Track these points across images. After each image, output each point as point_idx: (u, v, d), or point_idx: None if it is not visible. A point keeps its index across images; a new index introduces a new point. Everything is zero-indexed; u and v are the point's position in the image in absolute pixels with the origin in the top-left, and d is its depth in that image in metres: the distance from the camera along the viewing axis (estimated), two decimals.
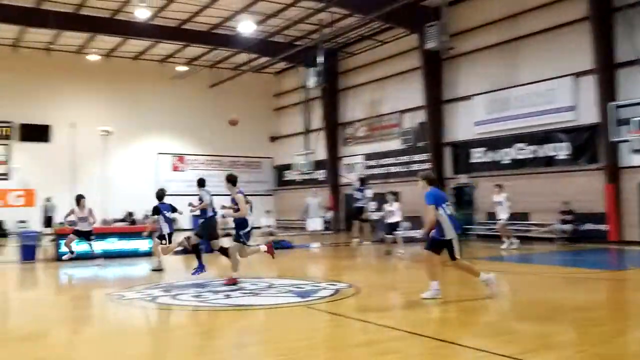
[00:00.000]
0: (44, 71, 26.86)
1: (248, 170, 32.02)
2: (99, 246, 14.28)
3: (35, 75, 26.57)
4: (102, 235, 15.15)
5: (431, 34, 19.78)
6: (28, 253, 14.06)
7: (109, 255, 14.57)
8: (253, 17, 23.03)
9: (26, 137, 26.71)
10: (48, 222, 22.34)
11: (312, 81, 24.87)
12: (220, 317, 7.65)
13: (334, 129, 28.47)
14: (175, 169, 30.54)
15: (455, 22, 21.19)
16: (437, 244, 8.01)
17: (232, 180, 9.90)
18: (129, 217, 26.19)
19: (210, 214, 11.07)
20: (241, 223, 9.83)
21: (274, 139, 33.13)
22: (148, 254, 15.27)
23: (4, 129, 26.43)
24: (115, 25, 23.70)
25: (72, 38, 25.66)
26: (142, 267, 13.41)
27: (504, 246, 15.85)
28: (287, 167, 30.59)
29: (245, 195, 9.87)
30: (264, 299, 8.67)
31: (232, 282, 9.54)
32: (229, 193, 9.99)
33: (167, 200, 12.57)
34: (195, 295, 8.87)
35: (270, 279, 10.69)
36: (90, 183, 24.06)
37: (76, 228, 13.47)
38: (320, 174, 28.90)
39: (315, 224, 20.55)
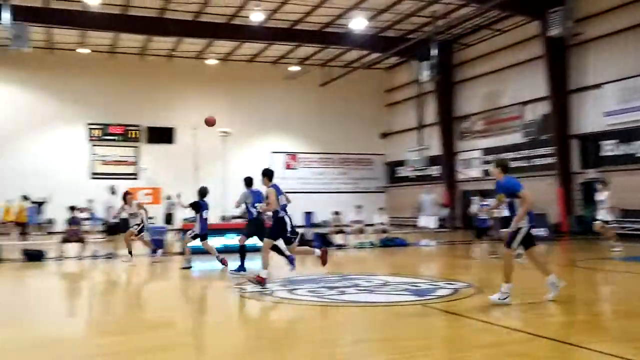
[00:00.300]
0: (167, 77, 28.61)
1: (359, 167, 31.98)
2: (218, 242, 14.88)
3: (160, 81, 28.41)
4: (221, 231, 15.74)
5: (555, 20, 18.53)
6: (157, 246, 14.91)
7: (229, 251, 15.08)
8: (364, 13, 22.89)
9: (153, 140, 28.63)
10: (168, 218, 23.75)
11: (425, 75, 24.22)
12: (336, 313, 7.57)
13: (449, 123, 27.59)
14: (288, 167, 31.21)
15: (581, 6, 19.67)
16: (528, 236, 7.49)
17: (267, 174, 9.61)
18: (247, 215, 27.06)
19: (255, 214, 10.98)
20: (277, 220, 9.36)
21: (385, 135, 32.78)
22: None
23: (133, 132, 28.52)
24: (232, 30, 24.61)
25: (192, 44, 27.06)
26: (258, 262, 13.65)
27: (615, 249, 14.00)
28: (400, 163, 30.13)
29: (281, 192, 9.43)
30: (379, 296, 8.48)
31: (260, 280, 9.07)
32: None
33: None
34: (310, 291, 8.87)
35: (384, 277, 10.48)
36: (210, 182, 25.11)
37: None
38: (435, 170, 28.14)
39: (428, 221, 19.97)
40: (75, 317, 8.06)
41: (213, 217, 22.88)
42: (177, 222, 22.72)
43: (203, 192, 12.67)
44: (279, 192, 9.29)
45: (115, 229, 14.54)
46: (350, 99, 31.27)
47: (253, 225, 11.13)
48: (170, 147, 28.51)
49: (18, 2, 19.86)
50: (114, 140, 28.18)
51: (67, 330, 6.87)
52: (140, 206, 13.43)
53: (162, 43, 26.75)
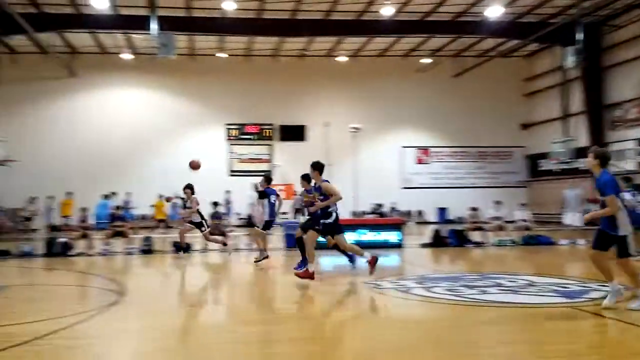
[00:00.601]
0: (299, 76, 29.25)
1: (497, 160, 30.41)
2: (352, 237, 14.84)
3: (292, 81, 29.13)
4: (353, 226, 15.69)
5: None
6: (292, 241, 15.22)
7: (362, 246, 15.00)
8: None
9: (285, 137, 29.48)
10: (296, 213, 24.35)
11: (570, 61, 22.38)
12: (478, 313, 7.11)
13: (598, 112, 25.20)
14: (420, 161, 30.49)
15: None
16: (607, 239, 6.59)
17: (319, 168, 9.22)
18: (378, 209, 26.97)
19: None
20: (326, 212, 8.99)
21: (525, 126, 30.79)
22: (397, 246, 15.36)
23: (268, 131, 29.58)
24: (362, 26, 24.52)
25: (323, 43, 27.41)
26: (392, 258, 13.45)
27: None
28: (543, 156, 28.14)
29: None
30: (524, 297, 7.87)
31: (308, 275, 8.80)
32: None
33: None
34: (449, 289, 8.46)
35: (529, 277, 9.73)
36: (342, 178, 25.40)
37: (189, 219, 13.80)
38: (582, 163, 25.85)
39: (573, 218, 18.33)
40: (217, 305, 8.36)
41: (344, 212, 23.17)
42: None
43: (269, 178, 12.64)
44: None
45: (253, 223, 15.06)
46: (485, 90, 29.81)
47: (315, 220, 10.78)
48: (302, 144, 29.11)
49: (164, 13, 21.38)
50: (249, 139, 29.46)
51: (209, 318, 7.15)
52: (195, 202, 13.49)
53: (294, 43, 27.40)
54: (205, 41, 26.74)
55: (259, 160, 29.50)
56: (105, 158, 27.29)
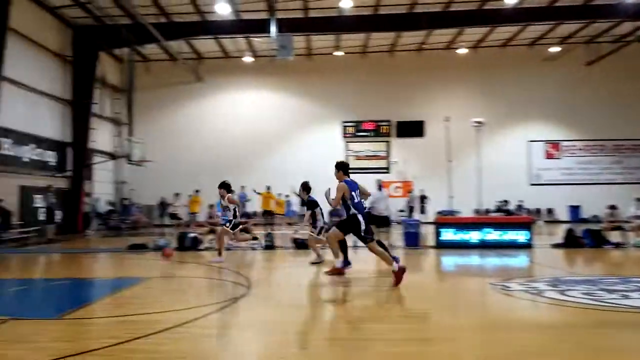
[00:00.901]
0: (416, 71, 28.74)
1: (636, 154, 27.74)
2: (476, 236, 14.32)
3: (409, 76, 28.71)
4: (477, 225, 15.04)
5: None
6: (411, 239, 14.92)
7: (485, 246, 14.39)
8: None
9: (402, 134, 29.06)
10: (411, 211, 23.79)
11: None
12: (621, 318, 6.47)
13: None
14: (549, 156, 28.64)
15: None
16: None
17: (342, 167, 9.09)
18: (504, 206, 25.69)
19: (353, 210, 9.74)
20: (349, 217, 8.81)
21: None
22: (525, 246, 14.50)
23: (384, 127, 29.29)
24: (484, 15, 23.45)
25: (441, 35, 26.64)
26: (520, 259, 12.69)
27: None
28: None
29: (355, 187, 8.90)
30: None
31: (336, 271, 8.82)
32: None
33: None
34: (586, 293, 7.80)
35: None
36: (463, 174, 24.54)
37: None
38: None
39: None
40: (343, 301, 8.30)
41: (467, 210, 22.33)
42: (429, 215, 22.59)
43: (308, 187, 12.16)
44: (353, 188, 8.77)
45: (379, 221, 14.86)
46: (622, 78, 27.36)
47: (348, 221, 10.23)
48: (420, 140, 28.61)
49: (282, 15, 21.90)
50: (366, 136, 29.37)
51: (335, 313, 7.13)
52: (231, 201, 13.03)
53: (411, 38, 26.89)
54: (322, 40, 27.07)
55: (376, 157, 29.34)
56: (229, 157, 28.59)
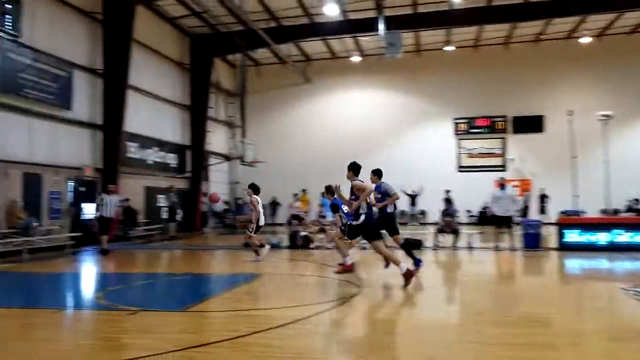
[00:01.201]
0: (533, 63, 27.18)
1: None
2: (604, 238, 13.27)
3: (525, 69, 27.21)
4: (606, 226, 13.90)
5: None
6: (531, 241, 14.08)
7: (615, 249, 13.23)
8: None
9: (519, 129, 27.61)
10: (526, 210, 22.47)
11: None
12: None
13: None
14: None
15: None
16: None
17: (353, 168, 9.00)
18: (636, 205, 23.56)
19: (389, 209, 9.85)
20: (356, 214, 8.66)
21: None
22: None
23: (500, 123, 28.00)
24: (610, 1, 21.63)
25: (562, 24, 24.96)
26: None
27: None
28: None
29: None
30: None
31: (347, 268, 8.77)
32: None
33: None
34: None
35: None
36: (587, 171, 22.87)
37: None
38: None
39: None
40: (452, 304, 7.97)
41: (592, 210, 20.64)
42: (549, 216, 21.27)
43: (330, 190, 11.46)
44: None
45: (488, 220, 14.25)
46: None
47: (385, 222, 9.87)
48: (539, 136, 27.11)
49: (390, 13, 21.60)
50: (479, 133, 28.23)
51: (448, 316, 6.86)
52: (253, 203, 12.51)
53: (528, 28, 25.46)
54: (431, 36, 26.41)
55: (490, 155, 28.13)
56: (337, 156, 28.60)
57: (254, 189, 12.63)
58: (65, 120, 16.91)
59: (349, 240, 9.19)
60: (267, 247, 12.76)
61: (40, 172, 15.69)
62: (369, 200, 8.90)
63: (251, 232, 12.41)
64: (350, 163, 9.23)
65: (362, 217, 8.60)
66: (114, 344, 5.53)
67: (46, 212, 15.89)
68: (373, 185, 9.73)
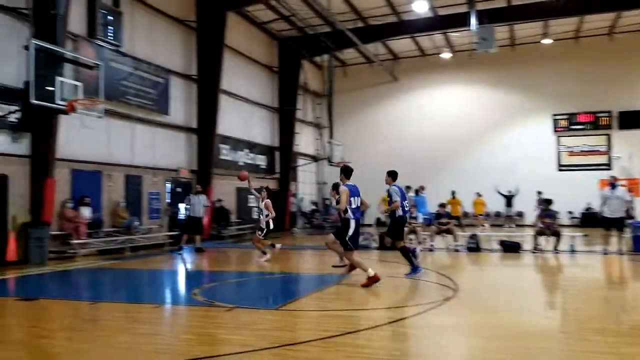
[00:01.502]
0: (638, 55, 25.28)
1: None
2: None
3: (633, 59, 25.40)
4: None
5: None
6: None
7: None
8: None
9: (626, 125, 25.69)
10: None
11: None
12: None
13: None
14: None
15: None
16: None
17: (344, 172, 8.84)
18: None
19: (399, 212, 9.53)
20: (343, 221, 8.73)
21: None
22: None
23: (604, 118, 26.21)
24: None
25: None
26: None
27: None
28: None
29: (356, 194, 8.64)
30: None
31: (371, 281, 8.30)
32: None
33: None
34: None
35: None
36: None
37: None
38: None
39: None
40: (554, 310, 7.45)
41: None
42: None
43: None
44: (353, 193, 8.56)
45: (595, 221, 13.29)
46: None
47: (395, 226, 9.70)
48: None
49: (482, 6, 20.80)
50: (581, 129, 26.56)
51: (550, 323, 6.42)
52: (267, 206, 12.06)
53: (635, 17, 23.64)
54: (527, 29, 25.21)
55: (594, 153, 26.42)
56: (424, 156, 28.06)
57: (266, 189, 12.58)
58: (163, 125, 17.73)
59: (353, 250, 8.77)
60: (279, 246, 13.04)
61: (140, 174, 16.55)
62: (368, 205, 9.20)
63: (261, 235, 12.38)
64: (343, 166, 9.12)
65: (352, 225, 8.54)
66: (211, 338, 5.64)
67: (146, 211, 16.75)
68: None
